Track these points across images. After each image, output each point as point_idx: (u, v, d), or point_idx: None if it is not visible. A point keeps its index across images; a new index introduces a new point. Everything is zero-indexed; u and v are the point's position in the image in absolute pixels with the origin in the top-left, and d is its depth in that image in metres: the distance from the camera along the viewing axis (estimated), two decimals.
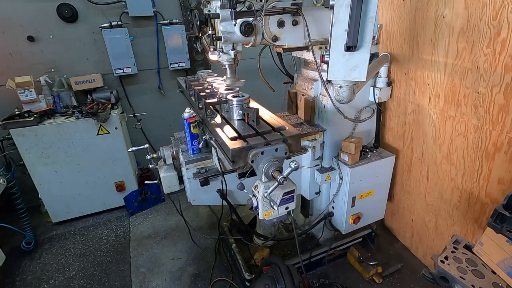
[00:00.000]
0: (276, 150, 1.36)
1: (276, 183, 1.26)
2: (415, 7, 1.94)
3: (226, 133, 1.47)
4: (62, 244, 2.93)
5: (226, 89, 1.80)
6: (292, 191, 1.38)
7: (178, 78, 2.81)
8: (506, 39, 1.48)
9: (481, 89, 1.66)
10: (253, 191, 1.42)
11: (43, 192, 2.95)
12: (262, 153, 1.33)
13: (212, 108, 1.76)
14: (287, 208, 1.41)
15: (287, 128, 1.51)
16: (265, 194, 1.32)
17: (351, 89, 1.51)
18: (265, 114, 1.71)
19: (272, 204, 1.34)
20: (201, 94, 1.89)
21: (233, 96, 1.68)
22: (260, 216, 1.41)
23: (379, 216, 2.44)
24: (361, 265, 2.39)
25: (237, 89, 1.87)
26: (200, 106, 1.80)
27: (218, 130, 1.53)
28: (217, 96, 1.86)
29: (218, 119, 1.70)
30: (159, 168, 1.98)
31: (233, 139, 1.41)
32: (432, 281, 1.34)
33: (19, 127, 2.66)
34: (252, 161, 1.33)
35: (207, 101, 1.76)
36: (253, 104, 1.78)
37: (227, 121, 1.66)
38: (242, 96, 1.68)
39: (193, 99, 2.02)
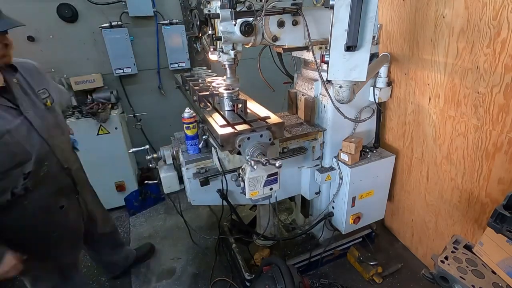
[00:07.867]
0: (261, 136, 1.50)
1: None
2: (415, 7, 1.94)
3: (217, 122, 1.60)
4: None
5: (225, 88, 1.84)
6: (276, 173, 1.51)
7: (176, 75, 2.86)
8: (506, 39, 1.48)
9: (481, 89, 1.66)
10: (240, 173, 1.55)
11: None
12: (248, 138, 1.46)
13: (205, 100, 1.87)
14: (271, 188, 1.54)
15: (271, 117, 1.63)
16: (251, 176, 1.45)
17: (351, 89, 1.51)
18: (253, 105, 1.83)
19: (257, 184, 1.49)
20: (195, 88, 2.01)
21: (224, 89, 1.78)
22: (247, 196, 1.53)
23: (379, 216, 2.44)
24: (361, 265, 2.39)
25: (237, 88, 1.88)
26: (195, 99, 1.90)
27: (209, 119, 1.65)
28: (210, 89, 1.97)
29: (210, 110, 1.83)
30: (159, 168, 1.98)
31: (222, 126, 1.53)
32: (432, 281, 1.34)
33: None
34: (239, 146, 1.46)
35: (201, 94, 1.86)
36: (242, 97, 1.88)
37: (218, 111, 1.77)
38: (233, 89, 1.78)
39: (188, 93, 2.13)
